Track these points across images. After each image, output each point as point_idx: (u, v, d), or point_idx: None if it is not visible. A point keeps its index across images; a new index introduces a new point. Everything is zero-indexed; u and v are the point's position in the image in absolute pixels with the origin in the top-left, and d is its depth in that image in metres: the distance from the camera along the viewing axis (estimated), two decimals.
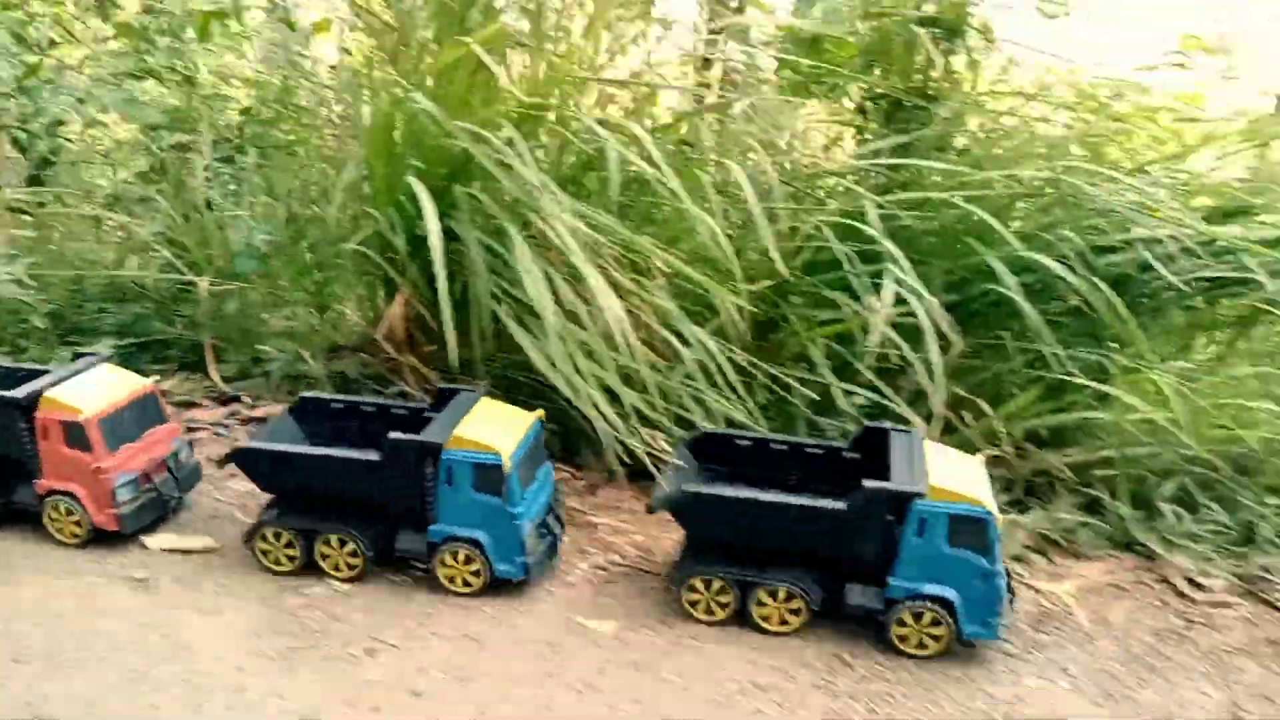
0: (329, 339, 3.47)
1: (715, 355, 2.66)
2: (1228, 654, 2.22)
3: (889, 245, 2.62)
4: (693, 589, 2.34)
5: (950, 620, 2.16)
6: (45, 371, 2.59)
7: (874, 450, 2.42)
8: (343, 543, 2.42)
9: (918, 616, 2.19)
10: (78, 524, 2.48)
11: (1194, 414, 2.65)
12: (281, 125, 4.02)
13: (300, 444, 2.60)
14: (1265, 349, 2.75)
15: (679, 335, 2.68)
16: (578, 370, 2.64)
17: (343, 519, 2.43)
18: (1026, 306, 2.64)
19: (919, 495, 2.16)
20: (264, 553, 2.44)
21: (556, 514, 2.61)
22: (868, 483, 2.17)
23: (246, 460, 2.48)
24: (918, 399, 2.73)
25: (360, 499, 2.46)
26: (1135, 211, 2.64)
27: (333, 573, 2.42)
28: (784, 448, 2.59)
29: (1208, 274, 2.66)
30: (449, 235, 2.68)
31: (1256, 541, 2.55)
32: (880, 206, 2.78)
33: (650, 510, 2.44)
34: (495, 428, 2.43)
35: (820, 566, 2.31)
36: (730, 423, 2.72)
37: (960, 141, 3.25)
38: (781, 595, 2.28)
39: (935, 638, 2.18)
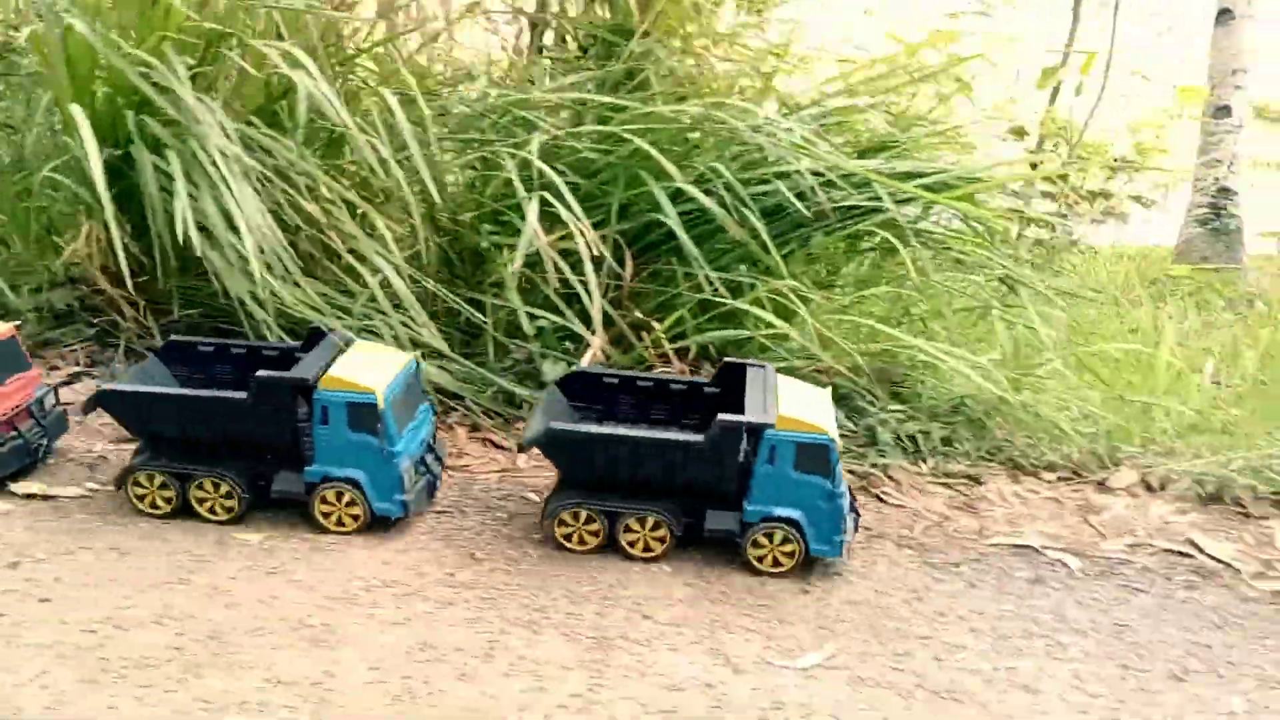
0: (44, 269, 3.40)
1: (393, 281, 2.78)
2: None
3: (551, 174, 2.79)
4: (563, 521, 2.43)
5: (800, 539, 2.32)
6: None
7: (732, 384, 2.55)
8: (217, 485, 2.41)
9: (770, 536, 2.34)
10: None
11: (835, 330, 2.95)
12: None
13: (168, 386, 2.56)
14: (901, 273, 3.07)
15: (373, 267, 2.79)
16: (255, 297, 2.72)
17: (217, 461, 2.41)
18: (682, 235, 2.87)
19: (769, 426, 2.30)
20: (138, 497, 2.42)
21: (436, 453, 2.65)
22: (722, 416, 2.31)
23: (112, 404, 2.43)
24: (609, 322, 2.94)
25: (233, 441, 2.44)
26: (780, 147, 2.89)
27: (210, 516, 2.42)
28: (649, 384, 2.70)
29: (849, 204, 2.95)
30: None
31: (877, 444, 2.89)
32: (559, 139, 2.94)
33: (520, 449, 2.53)
34: (369, 367, 2.45)
35: (683, 495, 2.42)
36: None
37: (660, 80, 3.42)
38: (648, 523, 2.39)
39: (789, 555, 2.34)
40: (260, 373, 2.33)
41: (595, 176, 3.08)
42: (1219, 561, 2.43)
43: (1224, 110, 7.58)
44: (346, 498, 2.41)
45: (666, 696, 1.89)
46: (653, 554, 2.40)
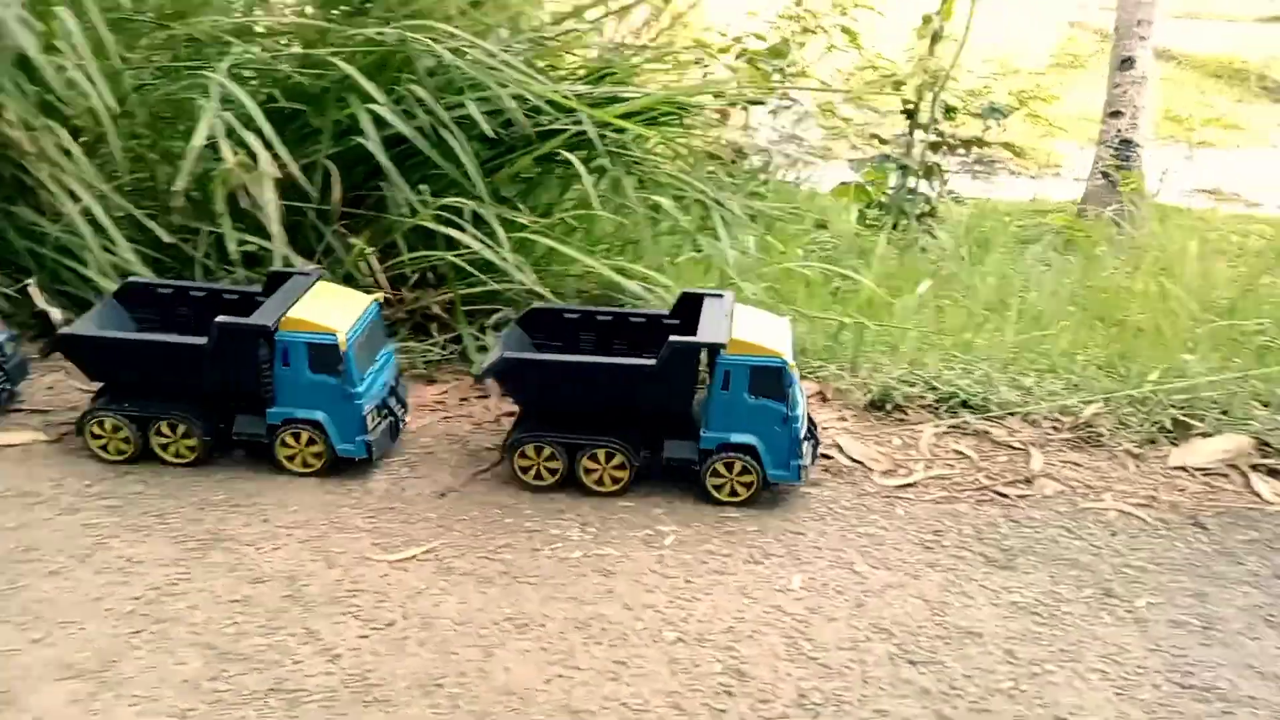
0: None
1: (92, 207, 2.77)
2: None
3: (240, 94, 2.79)
4: (524, 455, 2.42)
5: (757, 466, 2.32)
6: None
7: (690, 314, 2.50)
8: (175, 428, 2.39)
9: (729, 466, 2.33)
10: None
11: (547, 257, 3.01)
12: None
13: (127, 330, 2.52)
14: (616, 198, 3.13)
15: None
16: None
17: (178, 404, 2.39)
18: (382, 157, 2.89)
19: (720, 347, 2.28)
20: (97, 440, 2.40)
21: (399, 396, 2.64)
22: (673, 338, 2.29)
23: (70, 348, 2.40)
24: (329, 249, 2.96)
25: (193, 384, 2.42)
26: (478, 70, 2.92)
27: (172, 459, 2.41)
28: (609, 318, 2.68)
29: (557, 128, 3.00)
30: None
31: None
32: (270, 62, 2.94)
33: (477, 380, 2.53)
34: (330, 309, 2.42)
35: (641, 425, 2.41)
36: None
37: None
38: (602, 457, 2.38)
39: (746, 485, 2.34)
40: (220, 318, 2.31)
41: (310, 101, 3.07)
42: (854, 461, 2.56)
43: (1128, 62, 7.65)
44: (306, 437, 2.41)
45: (245, 588, 1.95)
46: (614, 488, 2.39)
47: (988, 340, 3.17)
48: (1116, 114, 7.70)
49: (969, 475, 2.51)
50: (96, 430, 2.40)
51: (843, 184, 6.13)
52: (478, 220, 2.95)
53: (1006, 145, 7.52)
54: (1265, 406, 2.79)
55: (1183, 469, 2.58)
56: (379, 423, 2.49)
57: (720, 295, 2.57)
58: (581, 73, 3.21)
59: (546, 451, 2.42)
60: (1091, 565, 2.15)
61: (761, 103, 6.20)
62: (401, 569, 2.04)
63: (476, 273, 2.90)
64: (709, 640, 1.87)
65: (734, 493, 2.34)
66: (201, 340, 2.33)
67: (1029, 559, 2.17)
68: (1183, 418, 2.72)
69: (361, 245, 2.93)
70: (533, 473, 2.43)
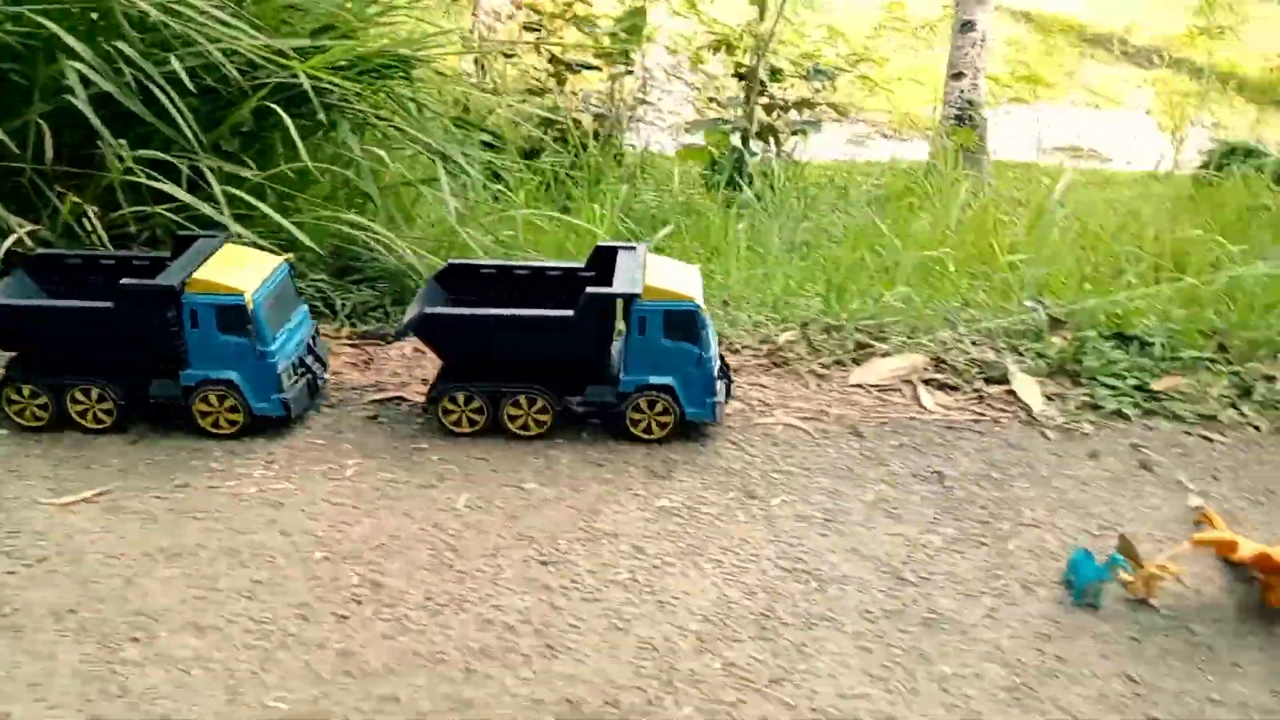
0: None
1: None
2: None
3: None
4: (447, 408, 2.49)
5: (675, 405, 2.44)
6: None
7: (605, 266, 2.59)
8: (87, 392, 2.41)
9: (651, 405, 2.45)
10: None
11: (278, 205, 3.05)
12: None
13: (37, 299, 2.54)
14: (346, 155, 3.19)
15: None
16: None
17: (92, 370, 2.42)
18: (90, 115, 2.86)
19: (635, 296, 2.39)
20: (15, 410, 2.41)
21: (316, 354, 2.67)
22: (590, 289, 2.39)
23: None
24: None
25: (105, 349, 2.44)
26: (194, 26, 2.92)
27: (90, 424, 2.42)
28: (526, 273, 2.74)
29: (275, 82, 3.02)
30: None
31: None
32: None
33: (396, 337, 2.58)
34: (237, 270, 2.46)
35: (561, 373, 2.49)
36: None
37: None
38: (525, 403, 2.47)
39: (663, 424, 2.46)
40: (124, 281, 2.35)
41: (20, 59, 3.01)
42: None
43: (968, 25, 7.95)
44: (226, 401, 2.44)
45: None
46: (536, 432, 2.49)
47: (718, 281, 3.37)
48: (958, 75, 8.00)
49: None
50: (14, 396, 2.43)
51: (686, 146, 6.30)
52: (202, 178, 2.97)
53: (833, 106, 7.67)
54: (949, 328, 3.07)
55: (859, 386, 2.82)
56: (295, 380, 2.54)
57: (633, 247, 2.68)
58: (310, 26, 3.23)
59: (472, 402, 2.50)
60: (742, 472, 2.36)
61: (594, 67, 6.31)
62: (71, 511, 2.09)
63: (194, 228, 2.91)
64: (355, 557, 1.98)
65: (649, 430, 2.48)
66: (108, 304, 2.37)
67: (687, 469, 2.37)
68: (869, 341, 2.97)
69: (78, 201, 2.91)
70: (454, 418, 2.51)
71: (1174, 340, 2.94)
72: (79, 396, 2.44)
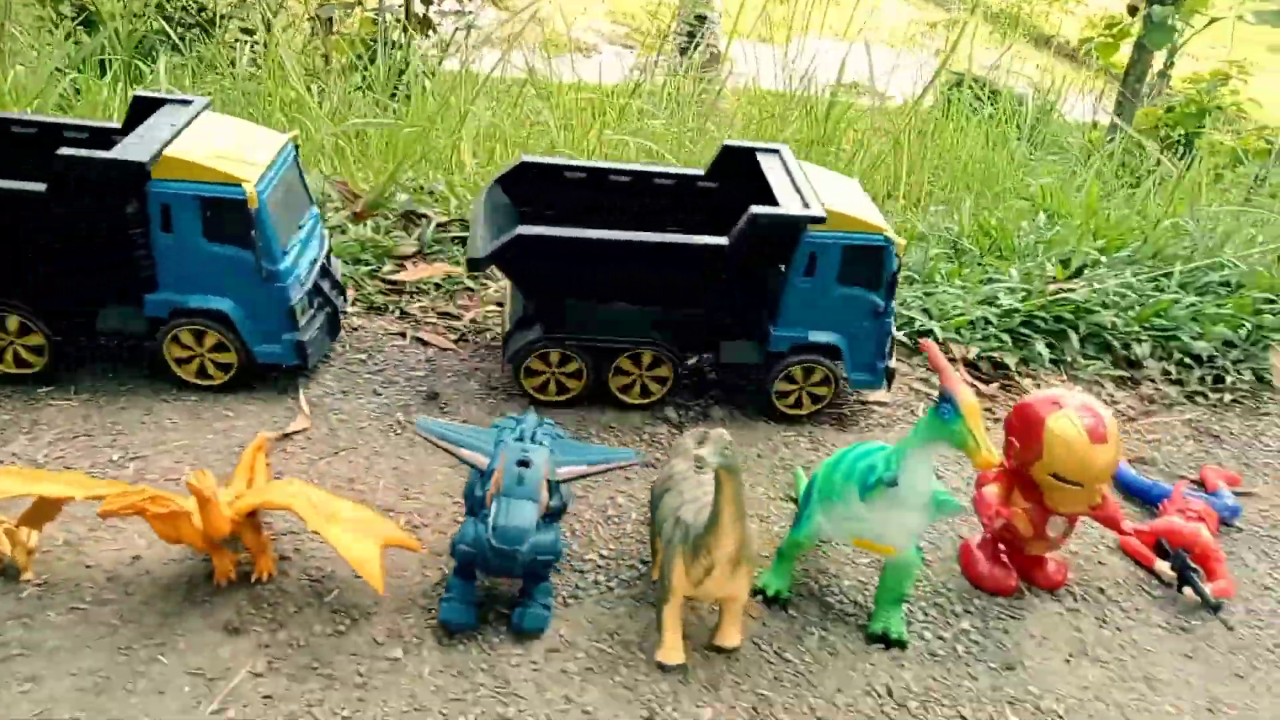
0: None
1: None
2: None
3: None
4: (532, 370, 1.92)
5: (835, 373, 1.95)
6: None
7: (738, 175, 2.01)
8: (3, 322, 1.70)
9: (809, 372, 1.94)
10: None
11: None
12: None
13: None
14: None
15: None
16: None
17: (15, 289, 1.67)
18: None
19: (818, 220, 1.81)
20: None
21: (332, 276, 1.97)
22: (757, 209, 1.79)
23: None
24: None
25: (31, 259, 1.68)
26: None
27: (10, 368, 1.76)
28: (626, 179, 2.09)
29: None
30: None
31: None
32: None
33: (472, 268, 1.86)
34: (229, 147, 1.71)
35: (685, 323, 1.92)
36: None
37: None
38: (647, 360, 1.91)
39: (818, 397, 1.98)
40: (65, 150, 1.61)
41: None
42: None
43: None
44: (211, 339, 1.78)
45: None
46: (651, 398, 1.97)
47: None
48: None
49: None
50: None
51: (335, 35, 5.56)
52: None
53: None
54: None
55: None
56: (312, 314, 1.91)
57: (776, 150, 2.09)
58: None
59: (561, 357, 1.95)
60: None
61: None
62: None
63: None
64: None
65: (798, 404, 2.06)
66: (38, 186, 1.63)
67: None
68: None
69: None
70: (551, 387, 1.97)
71: None
72: (7, 328, 1.75)
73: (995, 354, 2.65)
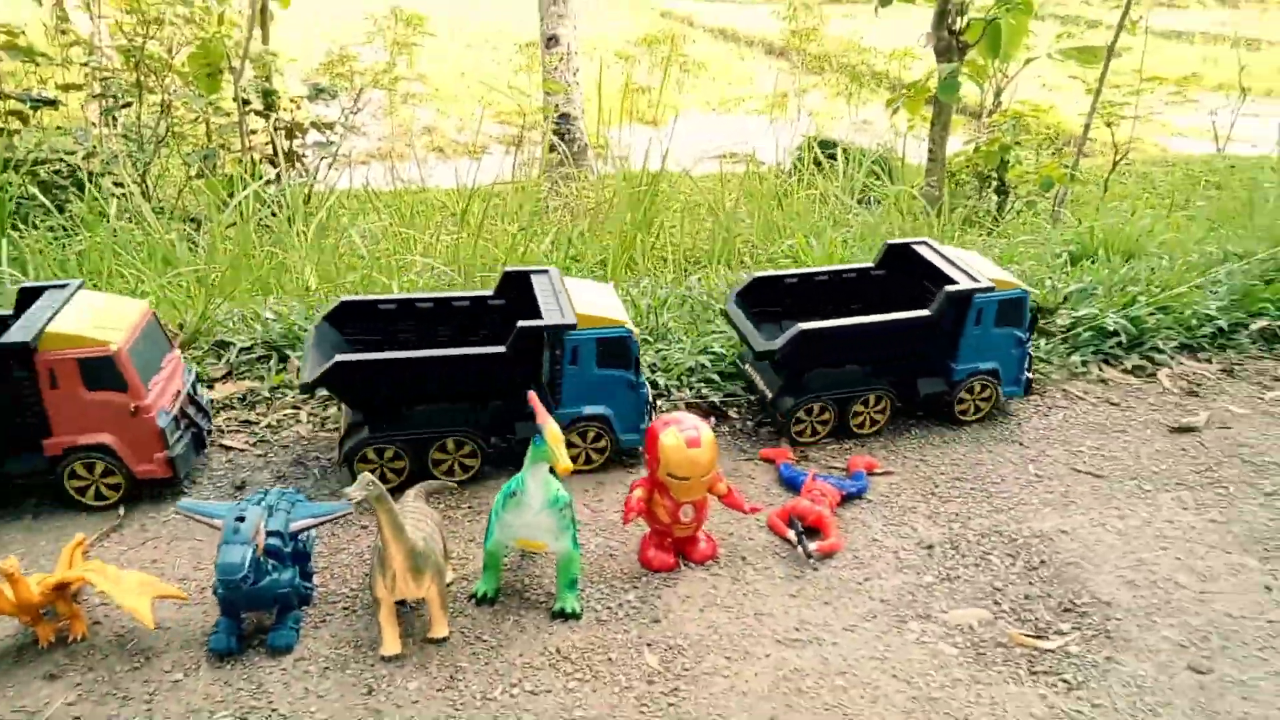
0: None
1: None
2: None
3: None
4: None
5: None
6: None
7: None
8: None
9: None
10: None
11: None
12: None
13: None
14: None
15: None
16: None
17: None
18: None
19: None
20: None
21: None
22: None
23: None
24: None
25: (475, 393, 2.40)
26: None
27: None
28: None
29: None
30: None
31: None
32: None
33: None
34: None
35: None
36: None
37: None
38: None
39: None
40: (522, 323, 2.33)
41: None
42: None
43: (553, 40, 8.48)
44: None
45: None
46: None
47: None
48: (550, 92, 8.35)
49: None
50: (370, 456, 2.46)
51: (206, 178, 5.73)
52: None
53: (348, 127, 7.04)
54: None
55: None
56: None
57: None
58: None
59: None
60: None
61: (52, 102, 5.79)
62: None
63: None
64: None
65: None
66: (499, 349, 2.35)
67: None
68: None
69: None
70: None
71: None
72: None
73: (705, 395, 3.32)
